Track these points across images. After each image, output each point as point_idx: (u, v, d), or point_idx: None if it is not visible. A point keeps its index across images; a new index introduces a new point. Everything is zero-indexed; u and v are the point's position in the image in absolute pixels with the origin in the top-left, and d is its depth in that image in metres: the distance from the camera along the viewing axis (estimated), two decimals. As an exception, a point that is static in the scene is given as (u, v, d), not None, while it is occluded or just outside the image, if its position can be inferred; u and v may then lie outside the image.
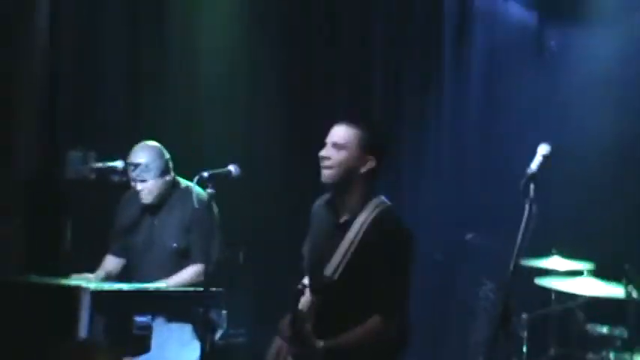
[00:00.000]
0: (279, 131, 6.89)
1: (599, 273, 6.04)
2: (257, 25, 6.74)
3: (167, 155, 5.26)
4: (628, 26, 7.28)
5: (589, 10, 7.31)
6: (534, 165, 3.67)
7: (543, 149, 3.75)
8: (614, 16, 7.24)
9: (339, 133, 4.07)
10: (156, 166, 5.17)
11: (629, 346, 5.84)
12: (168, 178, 5.22)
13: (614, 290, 5.90)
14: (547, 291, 6.18)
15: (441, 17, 7.70)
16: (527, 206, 3.58)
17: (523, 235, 3.58)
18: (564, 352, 5.96)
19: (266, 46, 6.78)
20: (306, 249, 4.27)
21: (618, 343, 5.88)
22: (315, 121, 7.01)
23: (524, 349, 6.09)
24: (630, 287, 5.85)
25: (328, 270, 3.96)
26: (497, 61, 7.74)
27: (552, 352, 5.95)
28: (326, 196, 4.21)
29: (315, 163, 4.10)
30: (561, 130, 6.86)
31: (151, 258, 5.23)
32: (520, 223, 3.54)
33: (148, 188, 5.18)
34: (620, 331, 5.89)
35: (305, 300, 3.97)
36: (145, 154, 5.16)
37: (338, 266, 3.96)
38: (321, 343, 3.85)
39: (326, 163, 4.04)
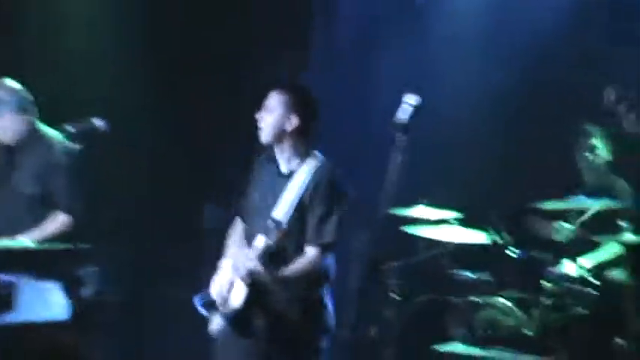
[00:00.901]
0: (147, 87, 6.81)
1: (466, 221, 6.20)
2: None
3: (29, 97, 5.06)
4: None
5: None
6: (402, 114, 3.72)
7: (411, 99, 3.80)
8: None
9: (269, 98, 4.75)
10: (12, 100, 4.98)
11: (493, 290, 6.05)
12: (26, 117, 5.03)
13: (479, 237, 6.08)
14: (416, 239, 6.31)
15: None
16: (394, 156, 3.64)
17: (390, 184, 3.64)
18: (433, 298, 6.10)
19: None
20: (252, 197, 4.83)
21: (484, 287, 6.08)
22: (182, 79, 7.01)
23: (394, 297, 6.22)
24: (494, 234, 6.05)
25: (278, 214, 4.60)
26: (368, 13, 7.72)
27: (421, 298, 6.07)
28: (267, 152, 4.84)
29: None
30: (430, 80, 6.92)
31: (3, 204, 5.06)
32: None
33: (2, 124, 4.99)
34: (485, 276, 6.09)
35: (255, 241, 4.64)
36: (1, 87, 4.98)
37: (287, 210, 4.60)
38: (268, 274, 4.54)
39: (258, 125, 4.73)
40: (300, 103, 4.77)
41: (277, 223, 4.58)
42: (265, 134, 4.73)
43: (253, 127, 4.71)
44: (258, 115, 4.75)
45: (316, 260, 4.63)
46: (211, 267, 6.44)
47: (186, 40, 7.21)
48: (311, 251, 4.62)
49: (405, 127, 3.67)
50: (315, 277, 4.66)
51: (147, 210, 7.08)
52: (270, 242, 4.59)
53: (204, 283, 6.04)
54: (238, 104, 7.33)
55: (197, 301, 4.67)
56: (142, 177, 6.97)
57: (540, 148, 6.84)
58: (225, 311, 4.61)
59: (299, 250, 4.64)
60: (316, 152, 4.80)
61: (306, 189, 4.65)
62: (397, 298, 6.18)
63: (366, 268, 3.91)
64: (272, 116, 4.71)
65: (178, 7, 7.24)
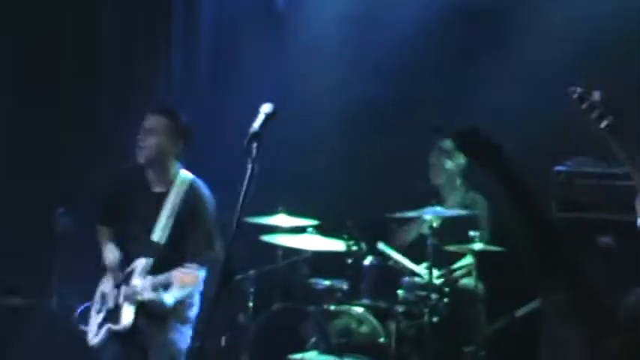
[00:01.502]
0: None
1: (324, 229, 6.25)
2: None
3: None
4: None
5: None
6: (257, 124, 3.73)
7: (266, 108, 3.81)
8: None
9: (152, 121, 5.03)
10: None
11: (348, 298, 6.11)
12: None
13: (336, 245, 6.14)
14: (273, 247, 6.32)
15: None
16: (249, 165, 3.63)
17: (245, 193, 3.63)
18: (288, 305, 6.12)
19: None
20: (126, 216, 5.09)
21: (339, 295, 6.13)
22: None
23: (251, 304, 6.21)
24: (350, 242, 6.12)
25: (155, 236, 4.93)
26: (228, 21, 7.68)
27: (276, 306, 6.09)
28: (131, 167, 5.12)
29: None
30: (290, 89, 6.95)
31: None
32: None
33: None
34: (341, 284, 6.15)
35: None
36: None
37: (163, 231, 4.94)
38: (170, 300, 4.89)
39: (140, 145, 5.00)
40: (185, 127, 5.13)
41: (156, 243, 4.92)
42: (147, 155, 5.01)
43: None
44: (141, 136, 5.01)
45: (200, 274, 4.96)
46: (63, 274, 6.32)
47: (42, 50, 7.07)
48: (195, 266, 4.93)
49: (257, 135, 3.67)
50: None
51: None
52: (151, 262, 4.94)
53: (54, 291, 5.92)
54: (95, 113, 7.23)
55: (78, 317, 5.09)
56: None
57: (400, 159, 6.97)
58: (115, 328, 4.93)
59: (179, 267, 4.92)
60: (184, 171, 5.14)
61: (181, 208, 5.00)
62: (252, 305, 6.18)
63: (221, 276, 3.87)
64: (158, 138, 5.00)
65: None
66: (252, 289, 6.25)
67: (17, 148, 7.04)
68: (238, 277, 6.10)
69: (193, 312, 5.15)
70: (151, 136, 5.01)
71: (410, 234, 6.55)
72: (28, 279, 6.55)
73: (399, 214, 6.18)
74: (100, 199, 5.40)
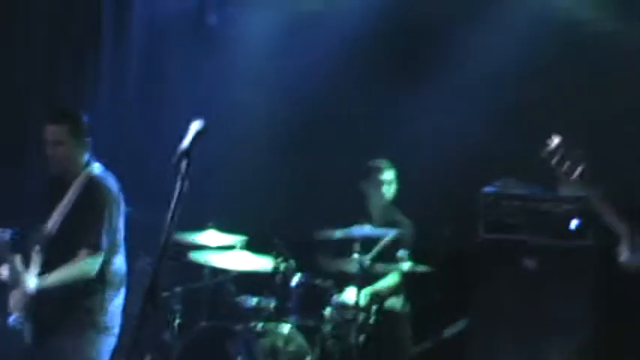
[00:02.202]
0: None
1: (252, 246, 6.23)
2: None
3: None
4: (286, 6, 7.46)
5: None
6: (186, 142, 3.70)
7: (196, 125, 3.79)
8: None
9: (52, 132, 4.94)
10: None
11: (276, 316, 6.09)
12: None
13: (263, 263, 6.12)
14: (201, 265, 6.28)
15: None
16: (178, 182, 3.60)
17: (174, 210, 3.60)
18: (214, 324, 6.08)
19: None
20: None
21: (266, 313, 6.11)
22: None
23: (177, 322, 6.15)
24: (278, 260, 6.11)
25: (47, 226, 4.89)
26: (158, 37, 7.62)
27: (203, 324, 6.04)
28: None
29: None
30: (219, 107, 6.93)
31: None
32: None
33: None
34: (268, 302, 6.13)
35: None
36: None
37: (56, 222, 4.89)
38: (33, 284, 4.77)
39: (52, 159, 4.95)
40: (86, 125, 5.04)
41: (46, 233, 4.88)
42: (60, 167, 4.99)
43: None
44: (48, 148, 4.95)
45: (87, 261, 4.83)
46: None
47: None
48: (81, 254, 4.83)
49: (186, 153, 3.64)
50: (89, 282, 4.87)
51: None
52: (42, 253, 4.87)
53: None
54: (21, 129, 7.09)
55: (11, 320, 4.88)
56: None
57: (327, 176, 7.00)
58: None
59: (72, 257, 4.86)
60: (96, 165, 5.07)
61: (75, 199, 4.94)
62: (178, 323, 6.13)
63: (147, 293, 3.82)
64: (64, 148, 4.95)
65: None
66: (178, 307, 6.19)
67: None
68: (164, 294, 6.04)
69: (109, 319, 4.98)
70: (57, 146, 4.95)
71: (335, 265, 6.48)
72: None
73: (327, 233, 6.18)
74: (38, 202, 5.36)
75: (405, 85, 6.89)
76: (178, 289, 6.24)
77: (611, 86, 6.52)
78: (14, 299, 4.82)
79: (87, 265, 4.84)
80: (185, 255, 6.13)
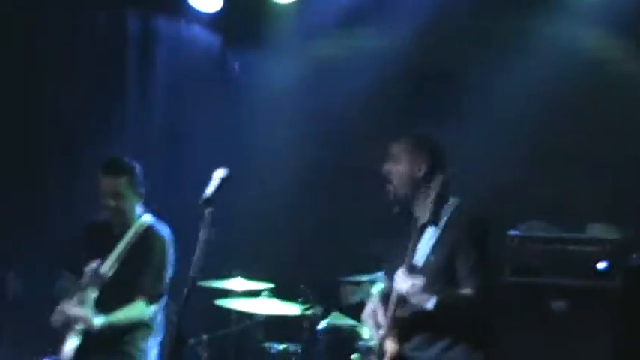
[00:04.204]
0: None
1: (278, 293, 6.23)
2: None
3: None
4: (308, 53, 7.53)
5: (270, 35, 7.46)
6: (210, 190, 3.73)
7: (220, 172, 3.83)
8: (294, 42, 7.46)
9: (110, 183, 5.02)
10: None
11: (303, 362, 6.08)
12: None
13: (290, 308, 6.11)
14: (227, 311, 6.27)
15: (122, 41, 7.56)
16: (203, 229, 3.64)
17: (199, 257, 3.63)
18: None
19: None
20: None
21: (293, 358, 6.09)
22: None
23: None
24: (305, 306, 6.10)
25: (103, 268, 4.95)
26: (182, 84, 7.71)
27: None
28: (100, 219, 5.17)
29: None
30: (243, 154, 6.97)
31: None
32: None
33: None
34: (295, 347, 6.12)
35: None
36: None
37: (112, 265, 4.97)
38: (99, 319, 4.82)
39: (105, 206, 5.04)
40: (141, 177, 5.17)
41: (102, 276, 4.93)
42: (115, 217, 5.09)
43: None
44: (103, 198, 5.04)
45: (145, 308, 4.96)
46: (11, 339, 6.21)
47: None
48: (138, 300, 4.94)
49: (210, 201, 3.68)
50: (140, 328, 5.00)
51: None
52: (95, 294, 4.91)
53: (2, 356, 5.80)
54: (45, 174, 7.16)
55: None
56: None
57: (353, 222, 6.99)
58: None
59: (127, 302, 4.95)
60: (146, 216, 5.18)
61: (133, 245, 5.04)
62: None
63: (174, 340, 3.84)
64: (121, 201, 5.04)
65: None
66: (205, 354, 6.18)
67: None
68: (191, 341, 6.05)
69: None
70: (114, 199, 5.05)
71: (354, 296, 6.51)
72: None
73: (351, 278, 6.19)
74: (68, 248, 5.46)
75: (430, 127, 6.88)
76: (205, 336, 6.23)
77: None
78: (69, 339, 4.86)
79: (145, 311, 5.00)
80: (212, 302, 6.13)
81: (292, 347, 6.14)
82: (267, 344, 6.22)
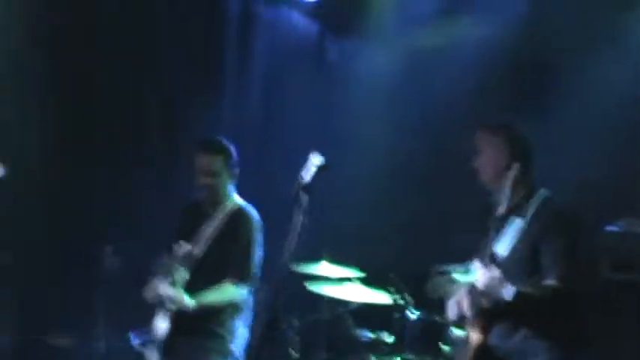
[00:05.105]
0: (52, 132, 6.73)
1: (367, 280, 6.22)
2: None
3: None
4: (406, 42, 7.49)
5: (369, 24, 7.46)
6: (307, 175, 3.74)
7: (317, 159, 3.83)
8: (393, 31, 7.43)
9: (207, 161, 5.11)
10: None
11: (393, 351, 6.05)
12: None
13: (380, 297, 6.10)
14: (318, 297, 6.29)
15: (222, 21, 7.65)
16: (297, 215, 3.65)
17: (293, 242, 3.65)
18: (333, 356, 6.08)
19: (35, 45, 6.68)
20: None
21: (384, 347, 6.08)
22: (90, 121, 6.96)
23: (295, 354, 6.18)
24: (395, 294, 6.08)
25: (194, 249, 5.03)
26: (279, 69, 7.76)
27: (321, 356, 6.05)
28: (195, 199, 5.25)
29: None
30: (337, 141, 6.97)
31: None
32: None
33: None
34: (385, 337, 6.10)
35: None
36: None
37: (203, 246, 5.06)
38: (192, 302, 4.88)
39: (202, 187, 5.12)
40: (234, 157, 5.23)
41: (193, 256, 5.00)
42: (209, 196, 5.18)
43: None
44: (198, 176, 5.12)
45: (236, 290, 5.03)
46: (109, 314, 6.34)
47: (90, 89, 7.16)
48: (227, 281, 5.00)
49: (308, 187, 3.69)
50: (229, 308, 5.06)
51: (39, 254, 6.93)
52: (187, 273, 4.98)
53: (96, 331, 5.92)
54: (145, 153, 7.29)
55: (133, 338, 5.12)
56: (37, 220, 6.85)
57: (445, 213, 6.93)
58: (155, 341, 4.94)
59: (216, 281, 5.01)
60: (236, 196, 5.25)
61: (223, 226, 5.12)
62: (296, 355, 6.15)
63: (266, 324, 3.88)
64: (216, 179, 5.13)
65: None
66: (296, 338, 6.22)
67: (68, 188, 7.11)
68: (283, 326, 6.09)
69: (236, 346, 5.13)
70: (209, 177, 5.14)
71: (444, 287, 6.42)
72: (76, 318, 6.61)
73: (442, 268, 6.12)
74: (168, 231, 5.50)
75: (526, 119, 6.78)
76: (296, 320, 6.27)
77: None
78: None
79: (236, 293, 5.08)
80: (303, 286, 6.15)
81: (383, 336, 6.12)
82: (357, 331, 6.22)
